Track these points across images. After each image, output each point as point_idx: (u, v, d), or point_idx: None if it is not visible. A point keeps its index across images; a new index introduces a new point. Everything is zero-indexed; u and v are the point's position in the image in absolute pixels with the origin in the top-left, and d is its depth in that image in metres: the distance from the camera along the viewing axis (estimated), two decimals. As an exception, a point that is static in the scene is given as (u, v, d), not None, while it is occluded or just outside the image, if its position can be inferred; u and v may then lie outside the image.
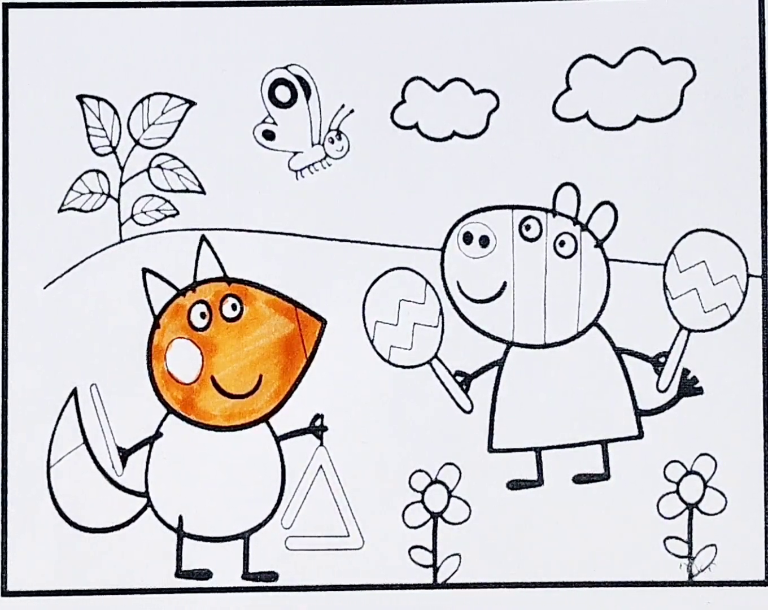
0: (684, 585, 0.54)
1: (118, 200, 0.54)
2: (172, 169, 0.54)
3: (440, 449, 0.54)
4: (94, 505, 0.54)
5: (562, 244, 0.54)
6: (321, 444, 0.54)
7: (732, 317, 0.53)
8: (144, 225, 0.54)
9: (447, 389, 0.54)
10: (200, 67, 0.54)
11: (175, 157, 0.54)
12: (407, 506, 0.54)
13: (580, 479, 0.54)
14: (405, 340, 0.54)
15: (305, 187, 0.54)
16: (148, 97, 0.54)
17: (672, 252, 0.53)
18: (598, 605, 0.53)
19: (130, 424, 0.54)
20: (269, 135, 0.54)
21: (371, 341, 0.54)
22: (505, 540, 0.53)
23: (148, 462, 0.54)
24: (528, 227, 0.54)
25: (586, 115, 0.54)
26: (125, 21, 0.54)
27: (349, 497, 0.54)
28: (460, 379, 0.54)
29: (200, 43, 0.54)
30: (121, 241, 0.54)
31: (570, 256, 0.54)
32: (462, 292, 0.54)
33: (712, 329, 0.54)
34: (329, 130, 0.54)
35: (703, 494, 0.54)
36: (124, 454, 0.54)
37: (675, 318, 0.53)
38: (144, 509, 0.54)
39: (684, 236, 0.54)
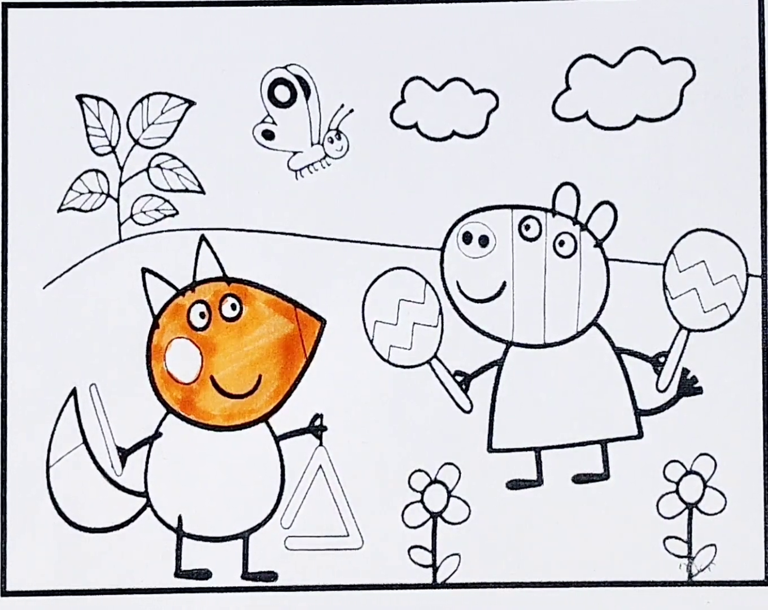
0: (684, 585, 0.54)
1: (117, 200, 0.54)
2: (171, 169, 0.54)
3: (440, 448, 0.54)
4: (93, 505, 0.54)
5: (561, 243, 0.54)
6: (320, 444, 0.54)
7: (731, 317, 0.53)
8: (143, 225, 0.54)
9: (446, 389, 0.54)
10: (200, 66, 0.54)
11: (174, 157, 0.54)
12: (407, 506, 0.54)
13: (579, 479, 0.54)
14: (404, 340, 0.54)
15: (305, 186, 0.54)
16: (148, 96, 0.54)
17: (671, 252, 0.53)
18: (597, 605, 0.53)
19: (129, 424, 0.54)
20: (269, 135, 0.54)
21: (371, 341, 0.54)
22: (504, 540, 0.53)
23: (147, 462, 0.54)
24: (527, 227, 0.54)
25: (586, 115, 0.54)
26: (124, 21, 0.54)
27: (348, 497, 0.54)
28: (459, 379, 0.54)
29: (200, 43, 0.54)
30: (121, 241, 0.54)
31: (570, 256, 0.54)
32: (461, 292, 0.54)
33: (711, 329, 0.54)
34: (329, 129, 0.54)
35: (702, 494, 0.54)
36: (124, 454, 0.54)
37: (674, 318, 0.53)
38: (143, 508, 0.54)
39: (684, 236, 0.53)
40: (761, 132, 0.53)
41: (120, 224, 0.54)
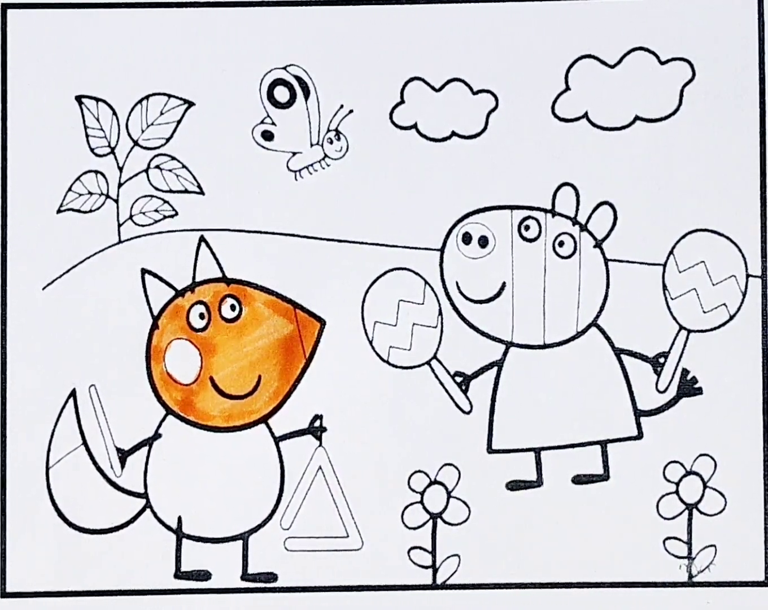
0: (683, 586, 0.54)
1: (116, 201, 0.54)
2: (170, 170, 0.54)
3: (439, 449, 0.54)
4: (93, 506, 0.54)
5: (561, 244, 0.54)
6: (320, 445, 0.54)
7: (731, 317, 0.53)
8: (143, 226, 0.54)
9: (446, 390, 0.54)
10: (199, 67, 0.54)
11: (173, 158, 0.54)
12: (406, 507, 0.54)
13: (579, 480, 0.54)
14: (404, 340, 0.54)
15: (304, 187, 0.54)
16: (147, 97, 0.54)
17: (671, 252, 0.53)
18: (597, 606, 0.53)
19: (129, 425, 0.54)
20: (268, 135, 0.54)
21: (370, 342, 0.54)
22: (504, 541, 0.53)
23: (147, 463, 0.54)
24: (527, 227, 0.54)
25: (585, 116, 0.54)
26: (124, 21, 0.54)
27: (348, 498, 0.54)
28: (459, 379, 0.54)
29: (199, 44, 0.54)
30: (120, 241, 0.54)
31: (569, 257, 0.54)
32: (461, 292, 0.54)
33: (711, 329, 0.53)
34: (328, 130, 0.54)
35: (702, 495, 0.54)
36: (123, 455, 0.54)
37: (674, 318, 0.53)
38: (143, 509, 0.54)
39: (683, 236, 0.53)
40: (761, 132, 0.53)
41: (119, 225, 0.54)
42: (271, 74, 0.54)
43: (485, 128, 0.54)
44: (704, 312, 0.53)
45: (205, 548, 0.54)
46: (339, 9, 0.54)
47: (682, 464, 0.54)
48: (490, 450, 0.54)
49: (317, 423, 0.54)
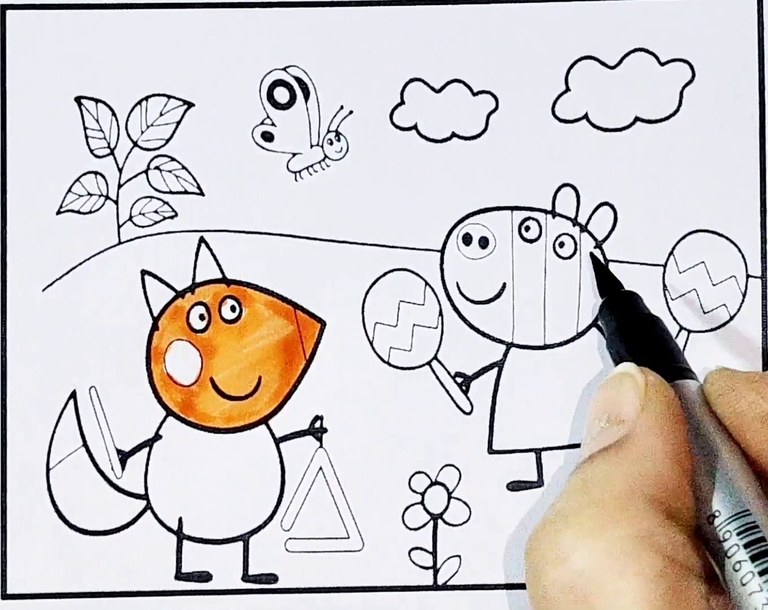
0: (684, 586, 0.54)
1: (116, 202, 0.54)
2: (170, 171, 0.54)
3: (440, 450, 0.54)
4: (93, 507, 0.53)
5: (561, 245, 0.54)
6: (320, 446, 0.54)
7: (731, 318, 0.54)
8: (143, 227, 0.54)
9: (447, 391, 0.54)
10: (199, 68, 0.54)
11: (173, 159, 0.54)
12: (407, 508, 0.54)
13: (579, 480, 0.54)
14: (404, 341, 0.54)
15: (304, 188, 0.54)
16: (146, 98, 0.54)
17: (671, 253, 0.54)
18: (598, 606, 0.53)
19: (129, 426, 0.54)
20: (268, 136, 0.54)
21: (371, 343, 0.54)
22: (505, 541, 0.53)
23: (147, 464, 0.54)
24: (527, 228, 0.54)
25: (586, 117, 0.54)
26: (123, 22, 0.54)
27: (348, 499, 0.54)
28: (459, 380, 0.54)
29: (199, 45, 0.54)
30: (120, 243, 0.54)
31: (570, 257, 0.54)
32: (461, 293, 0.54)
33: (711, 330, 0.54)
34: (328, 131, 0.54)
35: (703, 495, 0.54)
36: (124, 456, 0.54)
37: (674, 319, 0.53)
38: (143, 511, 0.54)
39: (683, 237, 0.54)
40: (760, 133, 0.53)
41: (119, 226, 0.54)
42: (271, 75, 0.54)
43: (485, 129, 0.54)
44: (704, 312, 0.53)
45: (206, 549, 0.54)
46: (339, 10, 0.54)
47: (682, 465, 0.54)
48: (491, 451, 0.54)
49: (318, 424, 0.54)
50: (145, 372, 0.54)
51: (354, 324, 0.54)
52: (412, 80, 0.54)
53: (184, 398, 0.54)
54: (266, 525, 0.54)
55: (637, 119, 0.54)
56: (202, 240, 0.54)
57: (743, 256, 0.54)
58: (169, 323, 0.54)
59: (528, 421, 0.54)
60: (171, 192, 0.54)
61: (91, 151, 0.54)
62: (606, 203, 0.54)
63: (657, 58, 0.54)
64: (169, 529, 0.54)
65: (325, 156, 0.54)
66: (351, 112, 0.54)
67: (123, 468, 0.54)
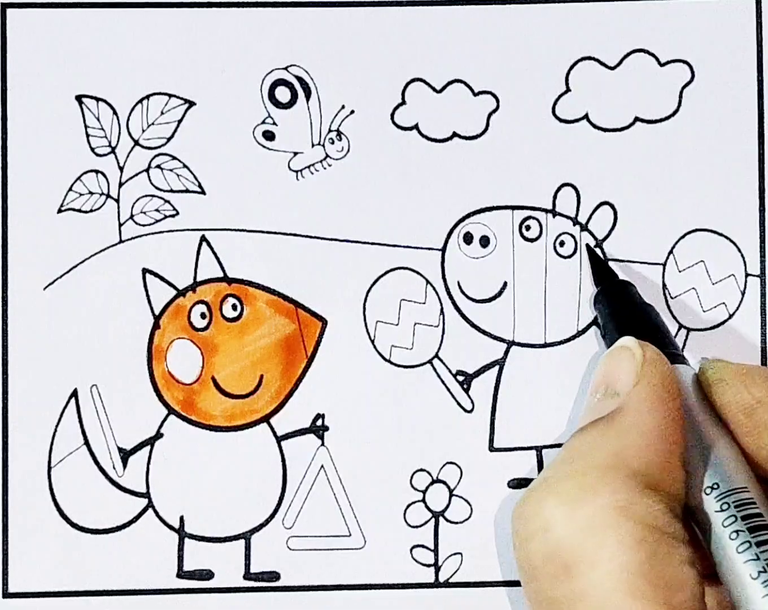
0: (684, 582, 0.54)
1: (117, 201, 0.54)
2: (171, 170, 0.54)
3: (441, 448, 0.54)
4: (95, 506, 0.53)
5: (562, 244, 0.54)
6: (322, 444, 0.54)
7: (731, 316, 0.54)
8: (144, 225, 0.54)
9: (448, 389, 0.54)
10: (200, 67, 0.54)
11: (174, 158, 0.54)
12: (408, 506, 0.54)
13: (579, 478, 0.54)
14: (406, 339, 0.54)
15: (305, 187, 0.54)
16: (148, 97, 0.54)
17: (671, 252, 0.54)
18: (598, 603, 0.54)
19: (130, 425, 0.54)
20: (269, 135, 0.54)
21: (372, 341, 0.54)
22: (506, 539, 0.54)
23: (149, 463, 0.54)
24: (528, 228, 0.54)
25: (586, 117, 0.54)
26: (124, 21, 0.54)
27: (350, 497, 0.54)
28: (461, 378, 0.54)
29: (200, 44, 0.54)
30: (121, 241, 0.54)
31: (570, 256, 0.54)
32: (462, 292, 0.54)
33: (710, 328, 0.54)
34: (329, 130, 0.54)
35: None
36: (125, 455, 0.54)
37: (674, 317, 0.54)
38: (145, 509, 0.54)
39: (683, 236, 0.54)
40: (759, 133, 0.54)
41: (120, 225, 0.54)
42: (273, 75, 0.54)
43: (486, 129, 0.54)
44: (704, 311, 0.54)
45: (208, 547, 0.54)
46: (340, 10, 0.54)
47: (681, 462, 0.54)
48: (492, 448, 0.54)
49: (319, 422, 0.54)
50: (147, 371, 0.54)
51: (355, 322, 0.54)
52: (413, 80, 0.54)
53: (185, 396, 0.54)
54: (268, 523, 0.54)
55: (636, 119, 0.54)
56: (203, 239, 0.54)
57: (742, 255, 0.54)
58: (170, 321, 0.54)
59: (529, 419, 0.54)
60: (172, 191, 0.54)
61: (92, 149, 0.54)
62: (606, 203, 0.54)
63: (657, 58, 0.54)
64: (171, 527, 0.54)
65: (327, 155, 0.54)
66: (352, 111, 0.54)
67: (124, 466, 0.54)
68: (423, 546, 0.54)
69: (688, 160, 0.54)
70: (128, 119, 0.54)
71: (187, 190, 0.54)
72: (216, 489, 0.54)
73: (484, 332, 0.54)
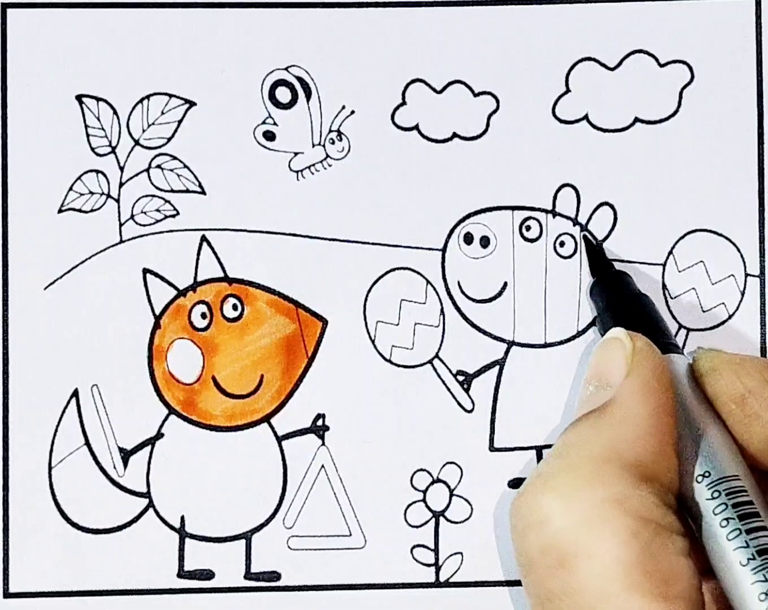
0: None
1: (118, 201, 0.54)
2: (172, 170, 0.54)
3: (442, 448, 0.54)
4: (95, 506, 0.53)
5: (562, 244, 0.54)
6: (323, 444, 0.54)
7: (730, 316, 0.54)
8: (144, 225, 0.54)
9: (448, 389, 0.54)
10: (200, 67, 0.54)
11: (175, 158, 0.54)
12: (409, 505, 0.54)
13: (579, 478, 0.54)
14: (406, 340, 0.54)
15: (306, 187, 0.54)
16: (148, 97, 0.54)
17: (671, 252, 0.54)
18: (597, 602, 0.54)
19: (131, 424, 0.54)
20: (270, 136, 0.54)
21: (372, 341, 0.54)
22: (507, 538, 0.53)
23: (149, 463, 0.54)
24: (528, 228, 0.54)
25: (586, 117, 0.54)
26: (124, 21, 0.54)
27: (350, 497, 0.54)
28: (461, 378, 0.54)
29: (200, 44, 0.54)
30: (122, 241, 0.54)
31: (570, 257, 0.54)
32: (463, 292, 0.54)
33: (710, 328, 0.54)
34: (330, 131, 0.54)
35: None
36: (126, 454, 0.54)
37: (674, 317, 0.54)
38: (146, 509, 0.54)
39: (683, 237, 0.54)
40: (759, 133, 0.54)
41: (120, 225, 0.54)
42: (273, 75, 0.54)
43: (486, 130, 0.54)
44: (703, 311, 0.54)
45: (208, 547, 0.54)
46: (341, 11, 0.54)
47: (680, 462, 0.54)
48: (492, 448, 0.54)
49: (320, 422, 0.54)
50: (147, 370, 0.54)
51: (356, 322, 0.54)
52: (413, 81, 0.54)
53: (186, 396, 0.54)
54: (268, 523, 0.54)
55: (636, 120, 0.54)
56: (203, 239, 0.54)
57: (742, 256, 0.54)
58: (170, 321, 0.54)
59: (529, 419, 0.54)
60: (173, 190, 0.54)
61: (93, 149, 0.54)
62: (606, 203, 0.54)
63: (656, 59, 0.54)
64: (172, 527, 0.54)
65: (327, 155, 0.54)
66: (353, 112, 0.54)
67: (125, 466, 0.54)
68: (423, 546, 0.54)
69: (688, 161, 0.54)
70: (128, 119, 0.54)
71: (187, 191, 0.54)
72: (217, 489, 0.54)
73: (484, 332, 0.54)
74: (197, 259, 0.54)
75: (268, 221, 0.54)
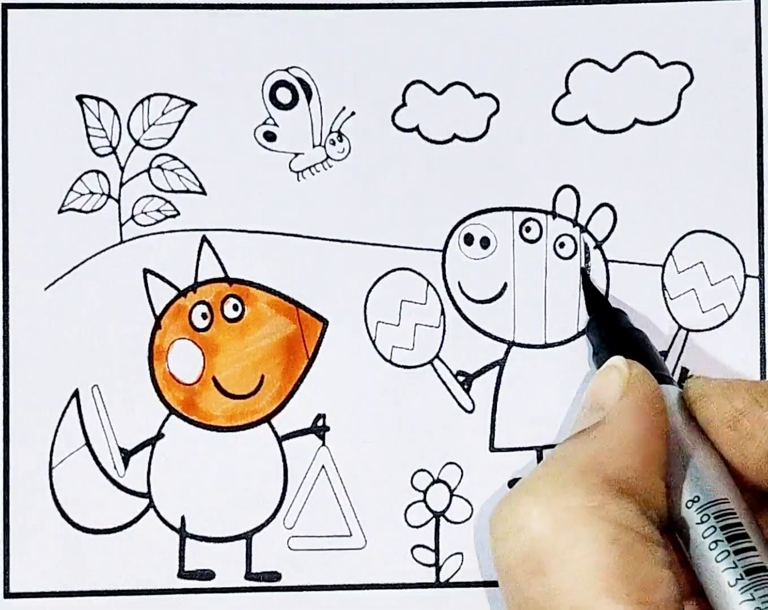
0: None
1: (118, 201, 0.54)
2: (172, 170, 0.54)
3: (442, 448, 0.54)
4: (96, 506, 0.53)
5: (562, 245, 0.54)
6: (323, 444, 0.54)
7: (730, 317, 0.54)
8: (145, 226, 0.54)
9: (448, 389, 0.54)
10: (201, 68, 0.54)
11: (175, 158, 0.54)
12: (409, 506, 0.54)
13: (579, 478, 0.54)
14: (407, 340, 0.54)
15: (306, 188, 0.54)
16: (149, 97, 0.54)
17: (670, 253, 0.54)
18: (597, 602, 0.54)
19: (131, 425, 0.54)
20: (270, 136, 0.54)
21: (373, 342, 0.54)
22: (507, 538, 0.54)
23: (150, 463, 0.54)
24: (528, 229, 0.54)
25: (585, 119, 0.54)
26: (125, 22, 0.54)
27: (351, 497, 0.54)
28: (461, 379, 0.54)
29: (201, 45, 0.54)
30: (122, 241, 0.54)
31: (570, 258, 0.54)
32: (463, 292, 0.54)
33: (710, 329, 0.54)
34: (330, 132, 0.54)
35: (701, 491, 0.54)
36: (126, 455, 0.54)
37: (673, 318, 0.54)
38: (146, 509, 0.54)
39: (682, 238, 0.54)
40: (758, 134, 0.54)
41: (121, 225, 0.54)
42: (274, 76, 0.54)
43: (486, 131, 0.54)
44: (703, 312, 0.54)
45: (209, 547, 0.54)
46: (341, 13, 0.54)
47: (680, 462, 0.54)
48: (493, 449, 0.54)
49: (320, 423, 0.54)
50: (148, 371, 0.54)
51: (356, 323, 0.54)
52: (413, 82, 0.54)
53: (186, 396, 0.54)
54: (269, 523, 0.54)
55: (636, 121, 0.54)
56: (204, 239, 0.54)
57: (741, 257, 0.54)
58: (171, 321, 0.54)
59: (529, 419, 0.54)
60: (173, 191, 0.54)
61: (93, 149, 0.54)
62: (606, 204, 0.54)
63: (656, 61, 0.54)
64: (172, 527, 0.54)
65: (328, 156, 0.54)
66: (353, 113, 0.54)
67: (125, 467, 0.54)
68: (424, 546, 0.54)
69: (688, 162, 0.54)
70: (129, 119, 0.54)
71: (188, 191, 0.54)
72: (217, 489, 0.54)
73: (484, 333, 0.54)
74: (198, 259, 0.54)
75: (269, 222, 0.54)
